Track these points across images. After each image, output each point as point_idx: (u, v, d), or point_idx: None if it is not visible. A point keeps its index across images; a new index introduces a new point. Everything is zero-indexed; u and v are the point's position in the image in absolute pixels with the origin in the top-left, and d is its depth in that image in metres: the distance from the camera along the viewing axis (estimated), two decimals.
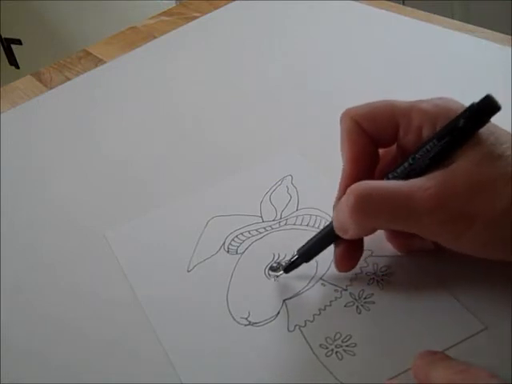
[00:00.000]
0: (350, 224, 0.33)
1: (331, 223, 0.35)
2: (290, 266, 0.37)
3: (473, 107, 0.32)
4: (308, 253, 0.36)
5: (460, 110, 0.32)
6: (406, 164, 0.33)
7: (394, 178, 0.33)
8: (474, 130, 0.32)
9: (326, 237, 0.36)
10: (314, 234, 0.38)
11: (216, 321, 0.36)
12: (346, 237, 0.34)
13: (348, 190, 0.33)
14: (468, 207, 0.30)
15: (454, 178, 0.31)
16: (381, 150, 0.36)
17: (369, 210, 0.32)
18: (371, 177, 0.35)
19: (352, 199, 0.32)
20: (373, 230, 0.34)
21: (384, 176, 0.34)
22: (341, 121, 0.36)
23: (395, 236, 0.37)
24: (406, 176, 0.33)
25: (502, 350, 0.31)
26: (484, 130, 0.32)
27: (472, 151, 0.31)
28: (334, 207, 0.35)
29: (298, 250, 0.37)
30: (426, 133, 0.33)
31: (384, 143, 0.36)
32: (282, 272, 0.37)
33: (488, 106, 0.32)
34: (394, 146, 0.36)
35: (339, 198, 0.35)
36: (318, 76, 0.56)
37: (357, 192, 0.32)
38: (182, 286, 0.38)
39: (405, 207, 0.31)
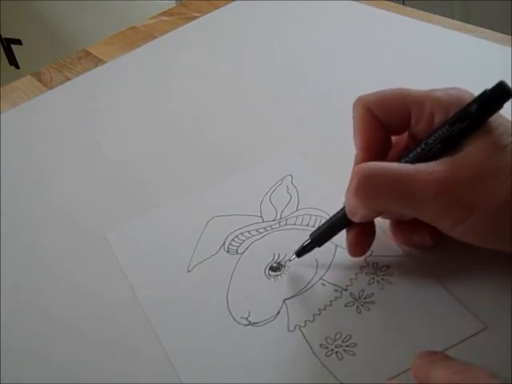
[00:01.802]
0: (356, 205, 0.34)
1: (342, 208, 0.36)
2: (302, 250, 0.37)
3: (485, 94, 0.32)
4: (320, 237, 0.37)
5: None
6: (418, 149, 0.34)
7: (406, 162, 0.34)
8: (486, 117, 0.32)
9: (339, 221, 0.36)
10: None
11: (216, 321, 0.36)
12: (355, 219, 0.35)
13: (353, 172, 0.33)
14: (471, 194, 0.31)
15: (460, 165, 0.31)
16: (393, 138, 0.37)
17: (371, 190, 0.33)
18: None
19: (355, 179, 0.33)
20: (378, 212, 0.35)
21: (396, 161, 0.34)
22: (353, 108, 0.36)
23: (397, 228, 0.37)
24: (417, 161, 0.33)
25: (501, 350, 0.31)
26: (494, 120, 0.32)
27: (481, 139, 0.32)
28: (346, 192, 0.36)
29: (311, 235, 0.37)
30: (438, 120, 0.34)
31: (396, 130, 0.36)
32: (294, 256, 0.37)
33: (501, 93, 0.32)
34: (406, 134, 0.36)
35: None
36: (317, 76, 0.56)
37: (360, 172, 0.33)
38: (182, 286, 0.38)
39: (407, 189, 0.32)
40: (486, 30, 0.57)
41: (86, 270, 0.41)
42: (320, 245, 0.37)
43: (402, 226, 0.37)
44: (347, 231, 0.36)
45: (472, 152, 0.31)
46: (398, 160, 0.34)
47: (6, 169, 0.52)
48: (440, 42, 0.57)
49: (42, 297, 0.40)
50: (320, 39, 0.61)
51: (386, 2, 0.65)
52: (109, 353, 0.36)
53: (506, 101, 0.32)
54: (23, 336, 0.38)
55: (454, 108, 0.33)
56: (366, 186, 0.33)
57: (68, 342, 0.37)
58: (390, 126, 0.36)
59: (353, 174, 0.33)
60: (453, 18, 0.61)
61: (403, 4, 0.70)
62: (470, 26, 0.58)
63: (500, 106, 0.32)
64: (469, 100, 0.33)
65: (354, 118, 0.36)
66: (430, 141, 0.33)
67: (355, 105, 0.36)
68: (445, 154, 0.32)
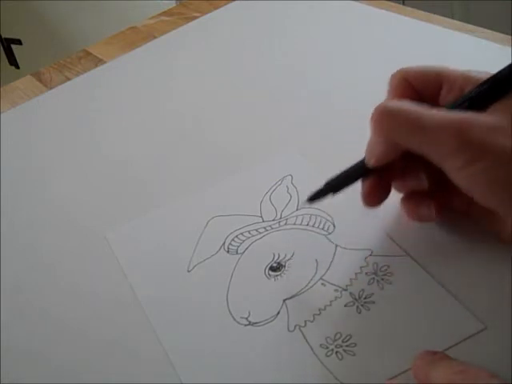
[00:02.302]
0: (373, 141, 0.35)
1: (363, 158, 0.36)
2: (315, 195, 0.36)
3: None
4: (336, 183, 0.36)
5: None
6: (453, 101, 0.34)
7: None
8: None
9: (356, 169, 0.36)
10: (314, 234, 0.38)
11: (216, 321, 0.36)
12: (372, 162, 0.35)
13: (374, 108, 0.34)
14: (488, 138, 0.31)
15: (483, 114, 0.32)
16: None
17: (387, 123, 0.34)
18: None
19: (375, 114, 0.34)
20: (395, 149, 0.35)
21: None
22: (391, 77, 0.38)
23: (407, 201, 0.38)
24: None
25: (501, 350, 0.31)
26: None
27: (508, 101, 0.32)
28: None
29: (327, 181, 0.37)
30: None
31: (427, 100, 0.37)
32: (306, 201, 0.37)
33: None
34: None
35: None
36: (317, 76, 0.56)
37: (378, 107, 0.34)
38: (182, 286, 0.38)
39: (421, 124, 0.32)
40: (486, 30, 0.57)
41: (86, 270, 0.41)
42: (335, 191, 0.36)
43: (410, 199, 0.38)
44: (362, 182, 0.37)
45: (498, 106, 0.32)
46: None
47: (5, 169, 0.52)
48: (440, 42, 0.57)
49: (42, 297, 0.40)
50: (320, 39, 0.61)
51: (386, 1, 0.65)
52: (109, 353, 0.36)
53: None
54: (23, 336, 0.38)
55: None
56: (383, 118, 0.34)
57: (68, 342, 0.37)
58: (423, 94, 0.37)
59: (373, 111, 0.34)
60: (453, 17, 0.61)
61: (403, 4, 0.70)
62: (470, 26, 0.58)
63: None
64: None
65: (390, 85, 0.38)
66: (466, 93, 0.33)
67: (394, 75, 0.38)
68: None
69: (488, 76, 0.34)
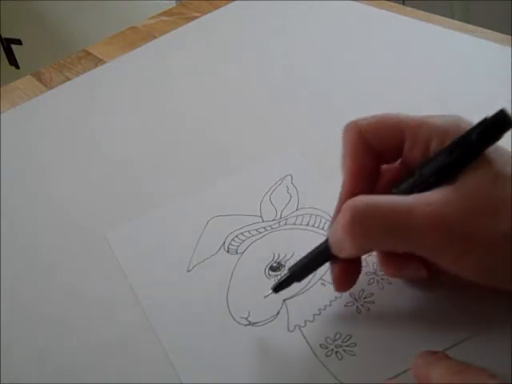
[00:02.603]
0: (345, 242, 0.31)
1: (325, 241, 0.33)
2: (280, 285, 0.35)
3: (486, 121, 0.30)
4: (301, 271, 0.35)
5: (470, 128, 0.31)
6: (410, 180, 0.31)
7: (399, 193, 0.32)
8: (486, 146, 0.30)
9: (321, 255, 0.34)
10: (314, 234, 0.38)
11: (216, 321, 0.36)
12: (341, 256, 0.32)
13: (344, 206, 0.31)
14: (471, 228, 0.29)
15: (458, 197, 0.29)
16: (382, 167, 0.35)
17: (365, 227, 0.30)
18: (371, 192, 0.33)
19: (348, 215, 0.30)
20: (369, 250, 0.33)
21: (386, 192, 0.32)
22: (345, 131, 0.35)
23: (388, 260, 0.34)
24: (411, 192, 0.31)
25: (501, 350, 0.31)
26: (493, 150, 0.30)
27: (481, 170, 0.30)
28: (330, 225, 0.34)
29: (290, 268, 0.35)
30: (434, 147, 0.32)
31: (388, 158, 0.34)
32: (271, 291, 0.35)
33: (502, 121, 0.30)
34: (397, 164, 0.35)
35: (336, 215, 0.33)
36: (317, 76, 0.56)
37: (353, 207, 0.30)
38: (182, 286, 0.38)
39: (404, 224, 0.29)
40: (486, 30, 0.57)
41: (86, 270, 0.41)
42: (299, 279, 0.35)
43: (393, 258, 0.33)
44: (331, 265, 0.34)
45: (472, 183, 0.30)
46: (389, 190, 0.32)
47: (5, 169, 0.52)
48: (440, 42, 0.57)
49: (42, 297, 0.40)
50: (320, 39, 0.61)
51: (386, 2, 0.65)
52: (109, 353, 0.36)
53: (507, 130, 0.30)
54: (23, 336, 0.38)
55: (452, 135, 0.31)
56: (358, 223, 0.30)
57: (68, 342, 0.37)
58: (382, 153, 0.34)
59: (343, 209, 0.31)
60: (453, 18, 0.61)
61: (403, 4, 0.70)
62: (470, 26, 0.58)
63: (501, 135, 0.30)
64: (467, 127, 0.31)
65: (344, 141, 0.34)
66: (425, 170, 0.31)
67: (347, 128, 0.34)
68: (441, 185, 0.30)
69: (450, 124, 0.32)
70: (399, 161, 0.35)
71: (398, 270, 0.34)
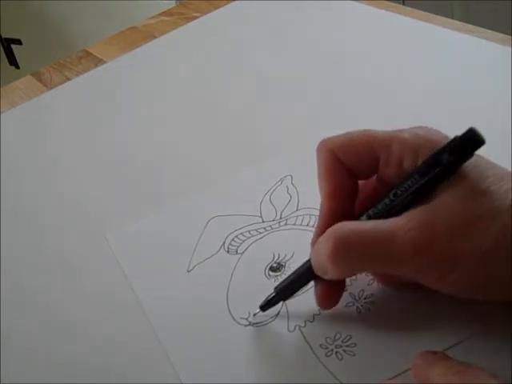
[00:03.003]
0: (328, 268, 0.31)
1: (309, 261, 0.33)
2: (266, 304, 0.35)
3: (456, 141, 0.30)
4: (286, 291, 0.35)
5: (442, 141, 0.31)
6: (386, 200, 0.32)
7: (375, 214, 0.32)
8: (458, 166, 0.30)
9: (305, 274, 0.34)
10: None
11: (216, 321, 0.36)
12: (325, 277, 0.32)
13: (326, 233, 0.31)
14: (452, 247, 0.29)
15: (436, 217, 0.29)
16: (360, 182, 0.35)
17: (348, 256, 0.31)
18: (351, 210, 0.34)
19: (330, 245, 0.30)
20: (353, 274, 0.34)
21: (364, 211, 0.33)
22: (317, 151, 0.34)
23: (380, 274, 0.35)
24: (388, 212, 0.31)
25: (501, 350, 0.31)
26: (468, 163, 0.30)
27: (455, 186, 0.30)
28: (312, 245, 0.34)
29: (275, 288, 0.35)
30: (408, 164, 0.32)
31: (363, 175, 0.34)
32: (258, 310, 0.35)
33: (472, 140, 0.30)
34: (374, 178, 0.35)
35: (318, 235, 0.33)
36: (317, 76, 0.56)
37: (335, 237, 0.31)
38: (182, 286, 0.38)
39: (386, 251, 0.30)
40: (486, 30, 0.57)
41: (87, 270, 0.41)
42: (285, 298, 0.35)
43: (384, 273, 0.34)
44: (315, 283, 0.34)
45: (448, 201, 0.30)
46: (367, 210, 0.32)
47: (5, 169, 0.52)
48: (440, 42, 0.57)
49: (42, 297, 0.40)
50: (320, 39, 0.61)
51: (386, 2, 0.65)
52: (109, 352, 0.36)
53: (478, 148, 0.30)
54: (23, 336, 0.38)
55: (423, 151, 0.31)
56: (342, 252, 0.30)
57: (68, 342, 0.37)
58: (356, 170, 0.34)
59: (326, 237, 0.31)
60: (453, 18, 0.61)
61: (403, 4, 0.70)
62: (470, 26, 0.58)
63: (471, 154, 0.30)
64: (438, 141, 0.31)
65: (318, 162, 0.34)
66: (399, 191, 0.31)
67: (319, 148, 0.34)
68: (417, 203, 0.31)
69: (421, 139, 0.31)
70: (375, 176, 0.34)
71: (392, 279, 0.35)
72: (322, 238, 0.32)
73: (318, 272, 0.33)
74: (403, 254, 0.29)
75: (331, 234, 0.31)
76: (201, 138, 0.51)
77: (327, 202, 0.34)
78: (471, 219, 0.29)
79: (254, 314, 0.35)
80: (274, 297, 0.35)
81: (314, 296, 0.34)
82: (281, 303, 0.36)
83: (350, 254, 0.31)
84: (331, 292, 0.34)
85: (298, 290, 0.35)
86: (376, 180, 0.35)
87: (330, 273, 0.32)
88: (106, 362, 0.35)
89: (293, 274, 0.35)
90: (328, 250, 0.31)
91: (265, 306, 0.35)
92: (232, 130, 0.52)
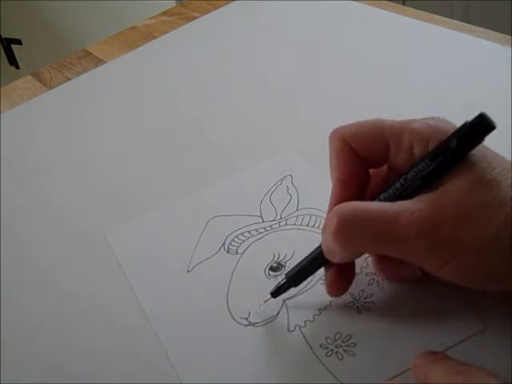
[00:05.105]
0: (335, 247, 0.32)
1: (319, 246, 0.34)
2: (277, 291, 0.35)
3: (465, 126, 0.30)
4: (297, 276, 0.35)
5: (452, 131, 0.31)
6: (397, 185, 0.32)
7: (385, 199, 0.32)
8: (467, 151, 0.31)
9: (315, 260, 0.35)
10: (314, 234, 0.38)
11: (216, 321, 0.36)
12: (334, 260, 0.33)
13: (332, 212, 0.32)
14: (457, 233, 0.29)
15: (443, 202, 0.30)
16: (371, 170, 0.35)
17: (352, 233, 0.31)
18: (362, 198, 0.34)
19: (335, 222, 0.31)
20: (359, 254, 0.34)
21: (375, 197, 0.33)
22: (329, 140, 0.35)
23: (382, 263, 0.35)
24: (397, 197, 0.32)
25: (501, 350, 0.31)
26: (476, 153, 0.31)
27: (463, 174, 0.30)
28: (323, 231, 0.34)
29: (287, 274, 0.35)
30: (418, 153, 0.32)
31: (374, 163, 0.35)
32: (269, 297, 0.35)
33: (482, 125, 0.30)
34: (385, 166, 0.35)
35: None
36: (318, 76, 0.56)
37: (340, 214, 0.31)
38: (182, 286, 0.38)
39: (390, 231, 0.30)
40: (486, 30, 0.57)
41: (86, 270, 0.41)
42: (296, 284, 0.35)
43: (387, 261, 0.34)
44: (325, 270, 0.35)
45: (455, 188, 0.30)
46: (378, 195, 0.33)
47: (5, 169, 0.52)
48: (440, 42, 0.57)
49: (42, 297, 0.40)
50: (320, 39, 0.61)
51: (386, 2, 0.65)
52: (109, 352, 0.36)
53: (488, 133, 0.30)
54: (23, 336, 0.38)
55: (434, 139, 0.32)
56: (346, 229, 0.31)
57: (68, 343, 0.37)
58: (368, 158, 0.34)
59: (331, 215, 0.31)
60: (453, 18, 0.61)
61: (403, 4, 0.70)
62: (470, 26, 0.58)
63: (481, 140, 0.30)
64: (449, 131, 0.31)
65: (330, 151, 0.35)
66: (409, 176, 0.32)
67: (332, 137, 0.35)
68: (426, 189, 0.31)
69: (432, 129, 0.32)
70: (386, 165, 0.35)
71: (393, 272, 0.35)
72: (328, 218, 0.32)
73: (327, 255, 0.33)
74: (407, 236, 0.30)
75: (336, 212, 0.31)
76: (201, 138, 0.51)
77: (339, 188, 0.34)
78: (476, 207, 0.29)
79: (265, 301, 0.36)
80: (284, 283, 0.35)
81: (324, 283, 0.35)
82: (281, 303, 0.36)
83: (354, 231, 0.31)
84: (341, 279, 0.34)
85: (308, 275, 0.36)
86: (387, 168, 0.35)
87: (337, 253, 0.32)
88: (106, 361, 0.35)
89: (304, 259, 0.35)
90: (332, 228, 0.31)
91: (275, 293, 0.35)
92: (232, 130, 0.52)
